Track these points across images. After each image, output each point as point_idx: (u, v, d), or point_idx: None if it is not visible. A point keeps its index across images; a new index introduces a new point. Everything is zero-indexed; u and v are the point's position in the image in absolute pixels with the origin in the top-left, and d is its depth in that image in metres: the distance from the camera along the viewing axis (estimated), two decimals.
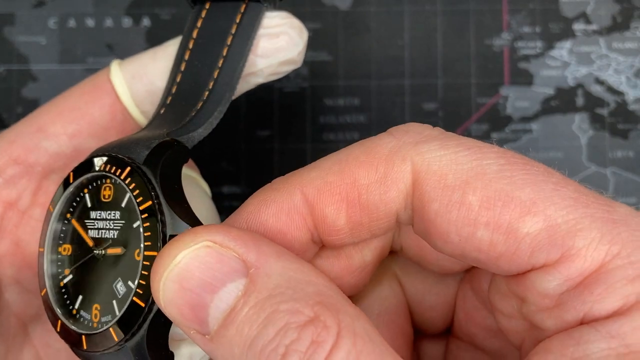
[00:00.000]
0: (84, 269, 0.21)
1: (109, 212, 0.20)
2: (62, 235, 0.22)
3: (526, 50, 0.36)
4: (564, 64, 0.35)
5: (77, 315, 0.21)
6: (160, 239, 0.18)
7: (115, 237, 0.20)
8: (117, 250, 0.20)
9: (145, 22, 0.36)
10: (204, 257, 0.15)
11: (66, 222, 0.22)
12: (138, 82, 0.25)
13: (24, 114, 0.35)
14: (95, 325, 0.20)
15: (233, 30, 0.23)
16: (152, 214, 0.19)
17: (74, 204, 0.22)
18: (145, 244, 0.18)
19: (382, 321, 0.20)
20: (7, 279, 0.25)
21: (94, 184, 0.21)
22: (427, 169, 0.15)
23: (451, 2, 0.36)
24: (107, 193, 0.21)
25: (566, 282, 0.15)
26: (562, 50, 0.35)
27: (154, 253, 0.18)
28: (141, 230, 0.19)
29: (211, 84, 0.23)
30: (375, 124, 0.35)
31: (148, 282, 0.18)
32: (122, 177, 0.20)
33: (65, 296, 0.21)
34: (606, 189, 0.35)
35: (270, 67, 0.25)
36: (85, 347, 0.20)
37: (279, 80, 0.36)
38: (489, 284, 0.18)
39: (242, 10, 0.23)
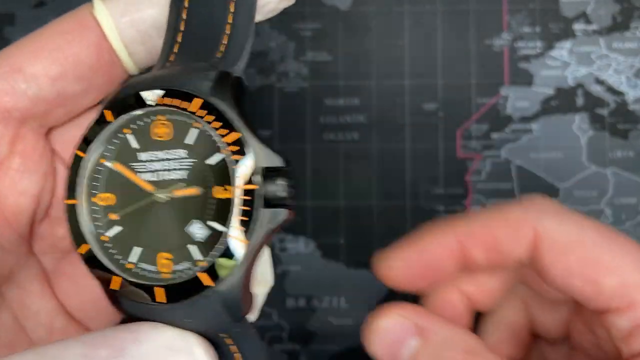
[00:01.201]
0: (137, 217, 0.19)
1: (168, 150, 0.19)
2: (95, 183, 0.20)
3: (526, 50, 0.36)
4: (564, 64, 0.35)
5: (134, 270, 0.19)
6: (258, 172, 0.18)
7: (185, 177, 0.19)
8: (191, 191, 0.19)
9: None
10: (394, 324, 0.23)
11: (100, 167, 0.20)
12: (127, 20, 0.23)
13: None
14: (166, 275, 0.18)
15: None
16: (242, 147, 0.18)
17: (110, 147, 0.20)
18: (237, 177, 0.18)
19: (504, 329, 0.27)
20: None
21: (138, 123, 0.20)
22: (546, 236, 0.23)
23: (451, 3, 0.36)
24: (161, 131, 0.19)
25: (631, 321, 0.22)
26: (562, 50, 0.35)
27: (254, 187, 0.18)
28: (232, 165, 0.18)
29: (230, 17, 0.21)
30: (375, 124, 0.35)
31: (250, 217, 0.18)
32: (193, 109, 0.18)
33: (114, 250, 0.19)
34: (606, 189, 0.35)
35: (271, 3, 0.24)
36: (165, 300, 0.18)
37: (279, 80, 0.36)
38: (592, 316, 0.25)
39: None
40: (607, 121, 0.35)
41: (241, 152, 0.18)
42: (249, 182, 0.18)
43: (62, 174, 0.25)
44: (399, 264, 0.24)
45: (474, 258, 0.24)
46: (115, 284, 0.19)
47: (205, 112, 0.18)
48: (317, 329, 0.35)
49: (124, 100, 0.19)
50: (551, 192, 0.35)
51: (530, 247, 0.23)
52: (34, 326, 0.25)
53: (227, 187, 0.18)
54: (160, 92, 0.19)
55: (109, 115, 0.20)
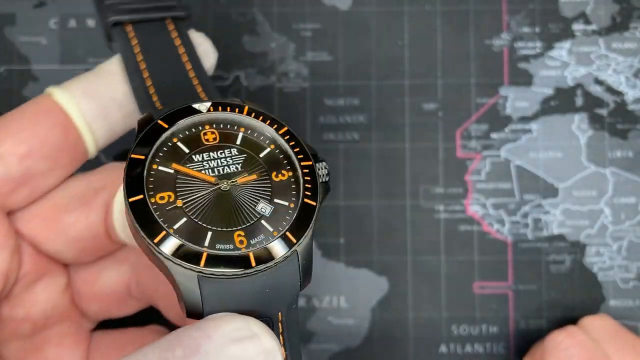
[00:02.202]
0: (201, 206, 0.21)
1: (221, 151, 0.22)
2: (150, 186, 0.21)
3: (526, 50, 0.36)
4: (563, 64, 0.36)
5: (211, 251, 0.20)
6: (309, 152, 0.22)
7: (240, 168, 0.22)
8: (252, 177, 0.22)
9: None
10: None
11: (152, 172, 0.21)
12: (89, 99, 0.24)
13: None
14: (243, 250, 0.20)
15: (179, 42, 0.25)
16: (292, 135, 0.23)
17: (161, 154, 0.21)
18: (299, 157, 0.22)
19: None
20: None
21: (186, 132, 0.22)
22: None
23: (451, 3, 0.36)
24: (210, 137, 0.22)
25: None
26: (562, 50, 0.36)
27: (310, 162, 0.22)
28: (289, 151, 0.22)
29: (195, 80, 0.24)
30: (375, 124, 0.36)
31: (314, 185, 0.22)
32: (244, 113, 0.23)
33: (184, 239, 0.20)
34: (605, 189, 0.35)
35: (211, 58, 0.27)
36: (255, 264, 0.20)
37: (279, 80, 0.36)
38: None
39: (170, 27, 0.25)
40: (606, 121, 0.35)
41: (291, 140, 0.23)
42: (304, 159, 0.22)
43: (28, 251, 0.25)
44: None
45: None
46: (202, 260, 0.20)
47: (253, 114, 0.23)
48: (317, 329, 0.35)
49: (177, 111, 0.22)
50: (550, 191, 0.35)
51: None
52: None
53: (283, 171, 0.22)
54: (208, 104, 0.22)
55: (163, 123, 0.22)
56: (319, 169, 0.22)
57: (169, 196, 0.21)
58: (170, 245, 0.20)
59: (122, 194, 0.22)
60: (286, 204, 0.22)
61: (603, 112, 0.35)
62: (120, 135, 0.26)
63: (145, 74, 0.24)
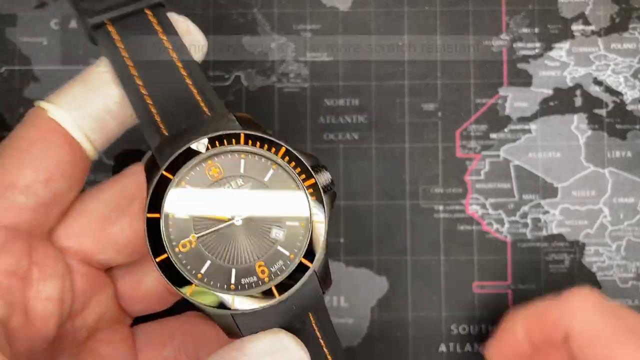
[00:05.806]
0: (222, 245, 0.23)
1: (227, 185, 0.23)
2: (172, 237, 0.23)
3: (525, 51, 0.36)
4: (562, 64, 0.36)
5: (203, 280, 0.22)
6: (309, 166, 0.23)
7: (249, 198, 0.23)
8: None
9: None
10: None
11: (170, 222, 0.23)
12: (85, 116, 0.25)
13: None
14: (267, 280, 0.22)
15: (165, 37, 0.25)
16: (291, 156, 0.23)
17: (172, 203, 0.23)
18: (301, 177, 0.23)
19: None
20: (22, 357, 0.24)
21: (191, 173, 0.23)
22: (574, 333, 0.27)
23: (450, 3, 0.36)
24: (215, 171, 0.23)
25: None
26: (561, 51, 0.36)
27: (312, 181, 0.23)
28: (292, 174, 0.23)
29: (187, 79, 0.24)
30: (375, 124, 0.36)
31: (319, 199, 0.23)
32: (242, 142, 0.23)
33: (186, 262, 0.22)
34: (604, 188, 0.35)
35: (199, 45, 0.26)
36: (277, 296, 0.22)
37: (279, 80, 0.36)
38: None
39: (151, 18, 0.25)
40: (605, 121, 0.35)
41: (292, 160, 0.23)
42: (307, 178, 0.23)
43: (80, 271, 0.26)
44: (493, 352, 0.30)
45: (535, 339, 0.29)
46: (232, 303, 0.22)
47: (250, 141, 0.23)
48: None
49: (179, 156, 0.23)
50: (550, 191, 0.35)
51: (565, 339, 0.28)
52: None
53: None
54: (206, 141, 0.23)
55: (168, 174, 0.23)
56: (321, 180, 0.23)
57: (190, 242, 0.22)
58: (202, 297, 0.22)
59: None
60: (297, 224, 0.23)
61: (602, 112, 0.36)
62: (118, 137, 0.27)
63: (139, 82, 0.24)
